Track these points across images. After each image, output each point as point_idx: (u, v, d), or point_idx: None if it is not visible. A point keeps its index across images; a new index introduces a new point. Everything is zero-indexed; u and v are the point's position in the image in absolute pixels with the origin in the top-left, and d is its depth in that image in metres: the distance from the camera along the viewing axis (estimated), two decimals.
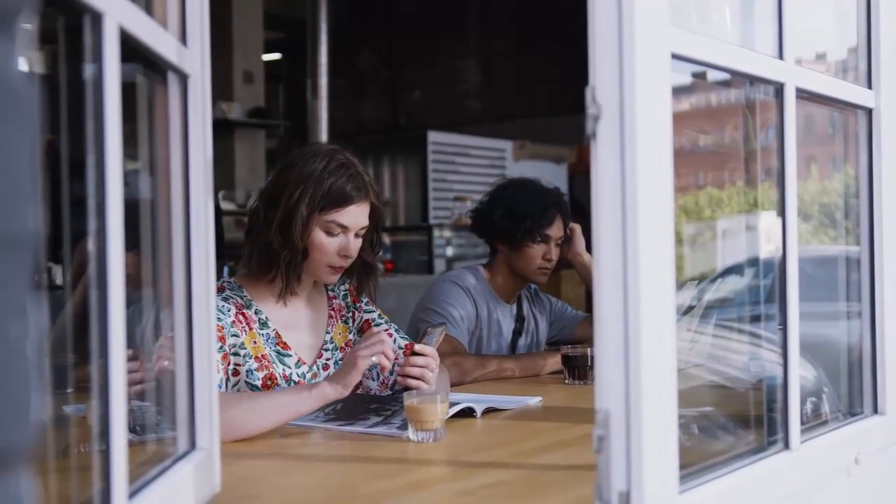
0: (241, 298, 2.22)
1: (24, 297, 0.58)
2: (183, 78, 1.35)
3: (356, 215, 2.21)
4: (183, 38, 1.35)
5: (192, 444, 1.37)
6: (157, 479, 1.21)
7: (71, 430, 1.35)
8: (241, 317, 2.18)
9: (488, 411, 2.18)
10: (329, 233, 2.19)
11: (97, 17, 1.00)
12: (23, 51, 0.59)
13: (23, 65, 0.59)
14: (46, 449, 1.07)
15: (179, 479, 1.27)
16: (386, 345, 2.01)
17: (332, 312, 2.39)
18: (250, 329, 2.19)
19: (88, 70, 1.02)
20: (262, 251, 2.20)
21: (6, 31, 0.57)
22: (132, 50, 1.12)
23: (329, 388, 1.98)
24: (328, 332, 2.35)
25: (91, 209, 1.01)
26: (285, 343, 2.24)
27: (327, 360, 2.33)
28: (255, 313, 2.22)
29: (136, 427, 1.35)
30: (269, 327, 2.23)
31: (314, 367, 2.29)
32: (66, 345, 1.58)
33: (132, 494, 1.10)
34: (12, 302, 0.56)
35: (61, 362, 1.32)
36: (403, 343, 2.39)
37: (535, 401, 2.35)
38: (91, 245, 1.02)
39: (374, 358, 1.98)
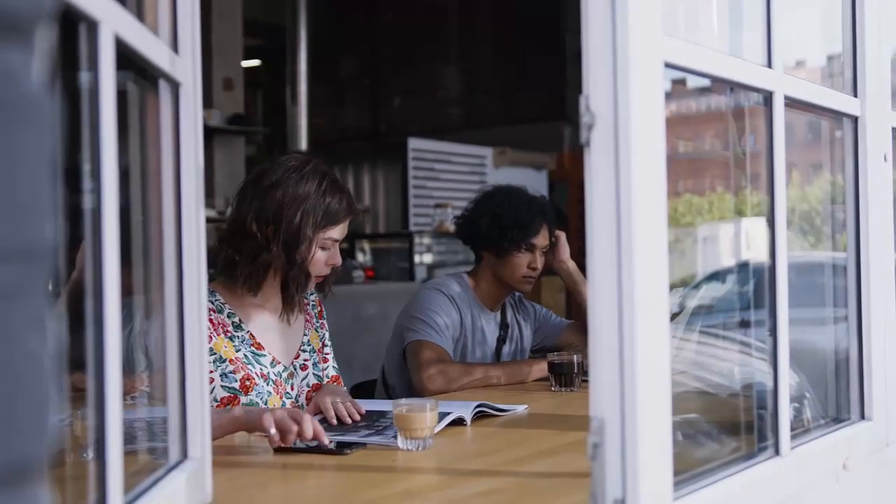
0: (213, 303, 2.26)
1: (43, 309, 0.57)
2: (175, 86, 1.34)
3: (345, 228, 2.33)
4: (175, 46, 1.35)
5: (184, 454, 1.36)
6: (151, 490, 1.20)
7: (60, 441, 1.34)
8: (209, 323, 2.21)
9: (478, 417, 2.18)
10: (323, 248, 2.29)
11: (93, 26, 0.99)
12: (40, 61, 0.58)
13: (40, 75, 0.59)
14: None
15: (172, 489, 1.26)
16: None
17: (308, 317, 2.47)
18: (219, 335, 2.24)
19: (83, 77, 1.01)
20: (263, 269, 2.26)
21: (24, 41, 0.56)
22: (124, 57, 1.11)
23: (239, 412, 1.96)
24: (305, 335, 2.43)
25: (87, 217, 1.00)
26: (259, 343, 2.30)
27: (305, 360, 2.40)
28: (228, 316, 2.28)
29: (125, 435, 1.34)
30: (243, 329, 2.28)
31: (290, 367, 2.35)
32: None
33: None
34: (31, 313, 0.56)
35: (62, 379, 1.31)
36: (332, 373, 2.48)
37: (521, 409, 2.35)
38: (86, 253, 1.02)
39: (272, 431, 1.81)
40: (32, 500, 0.56)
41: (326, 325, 2.55)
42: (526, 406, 2.37)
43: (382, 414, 2.19)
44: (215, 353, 2.20)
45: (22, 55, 0.57)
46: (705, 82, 1.55)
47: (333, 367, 2.52)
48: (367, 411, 2.21)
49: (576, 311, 3.53)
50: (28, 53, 0.57)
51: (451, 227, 3.21)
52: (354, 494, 1.58)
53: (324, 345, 2.51)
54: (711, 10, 1.81)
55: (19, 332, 0.55)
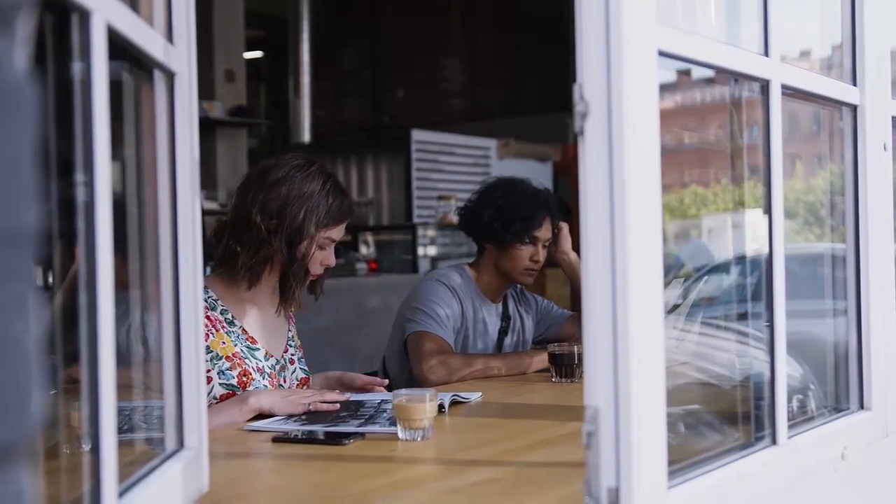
0: (206, 300, 2.27)
1: (27, 293, 0.58)
2: (170, 76, 1.34)
3: (343, 230, 2.38)
4: (169, 36, 1.35)
5: (181, 444, 1.37)
6: (146, 478, 1.21)
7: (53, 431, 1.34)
8: (205, 320, 2.21)
9: (453, 404, 2.23)
10: (320, 247, 2.32)
11: (85, 15, 0.99)
12: (22, 48, 0.59)
13: (22, 62, 0.59)
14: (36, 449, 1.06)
15: (168, 478, 1.26)
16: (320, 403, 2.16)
17: (291, 315, 2.50)
18: (217, 331, 2.26)
19: (75, 68, 1.01)
20: (263, 262, 2.29)
21: (5, 28, 0.56)
22: (118, 48, 1.11)
23: (254, 398, 2.12)
24: (290, 330, 2.48)
25: (79, 209, 1.00)
26: (252, 338, 2.33)
27: (292, 355, 2.45)
28: (221, 313, 2.30)
29: (122, 426, 1.35)
30: (235, 325, 2.31)
31: (282, 360, 2.40)
32: (51, 345, 1.58)
33: (121, 493, 1.09)
34: (15, 297, 0.57)
35: (46, 363, 1.31)
36: (301, 375, 2.47)
37: (476, 396, 2.38)
38: (78, 246, 1.02)
39: (310, 407, 2.13)
40: (14, 482, 0.56)
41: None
42: (480, 393, 2.39)
43: (361, 403, 2.21)
44: (212, 352, 2.23)
45: (3, 43, 0.57)
46: (710, 73, 1.55)
47: (303, 369, 2.53)
48: (349, 401, 2.23)
49: (579, 302, 3.53)
50: (9, 41, 0.57)
51: (455, 219, 3.20)
52: (352, 484, 1.58)
53: (300, 344, 2.55)
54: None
55: (2, 316, 0.56)
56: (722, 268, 2.54)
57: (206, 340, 2.20)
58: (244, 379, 2.25)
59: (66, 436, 1.32)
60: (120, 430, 1.12)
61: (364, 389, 2.43)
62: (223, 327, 2.28)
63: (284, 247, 2.27)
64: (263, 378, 2.29)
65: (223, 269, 2.33)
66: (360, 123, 10.15)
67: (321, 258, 2.34)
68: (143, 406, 1.47)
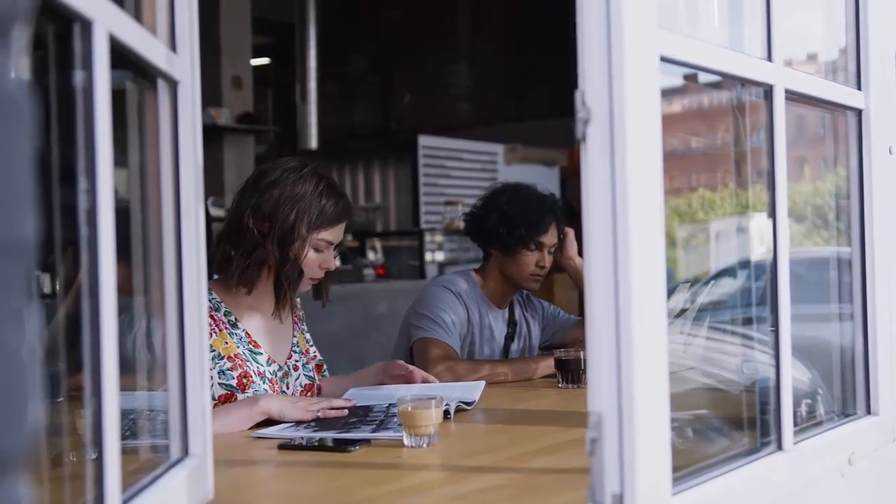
0: (210, 301, 2.28)
1: (22, 304, 0.58)
2: (173, 84, 1.35)
3: (341, 232, 2.37)
4: (172, 45, 1.35)
5: (185, 451, 1.37)
6: (151, 486, 1.21)
7: (62, 439, 1.35)
8: (209, 319, 2.23)
9: (459, 411, 2.22)
10: (317, 249, 2.32)
11: (87, 25, 0.99)
12: (19, 58, 0.59)
13: (19, 72, 0.59)
14: (39, 457, 1.06)
15: (173, 486, 1.27)
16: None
17: (296, 320, 2.50)
18: (220, 331, 2.27)
19: (78, 77, 1.02)
20: (257, 265, 2.28)
21: (2, 39, 0.57)
22: (121, 56, 1.12)
23: (264, 402, 2.11)
24: (294, 336, 2.47)
25: (81, 217, 1.00)
26: (256, 342, 2.34)
27: (296, 361, 2.45)
28: (225, 315, 2.31)
29: (126, 433, 1.35)
30: (239, 328, 2.32)
31: (285, 367, 2.40)
32: (57, 353, 1.58)
33: (125, 501, 1.09)
34: (10, 308, 0.57)
35: (52, 371, 1.32)
36: (305, 382, 2.47)
37: (479, 385, 2.42)
38: (82, 253, 1.02)
39: (319, 413, 2.13)
40: (11, 492, 0.56)
41: (306, 328, 2.58)
42: (483, 382, 2.44)
43: (369, 409, 2.21)
44: (214, 351, 2.23)
45: (0, 53, 0.57)
46: (717, 77, 1.55)
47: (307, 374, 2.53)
48: (357, 407, 2.22)
49: None
50: (5, 51, 0.57)
51: (462, 225, 3.21)
52: (357, 491, 1.58)
53: (309, 345, 2.54)
54: (712, 4, 1.80)
55: None
56: (729, 272, 2.54)
57: (208, 339, 2.21)
58: (244, 381, 2.25)
59: (71, 444, 1.32)
60: (124, 436, 1.12)
61: (409, 379, 2.44)
62: (226, 328, 2.29)
63: (276, 249, 2.27)
64: (264, 382, 2.29)
65: (223, 274, 2.33)
66: (367, 129, 10.14)
67: (319, 261, 2.33)
68: (149, 410, 1.47)
